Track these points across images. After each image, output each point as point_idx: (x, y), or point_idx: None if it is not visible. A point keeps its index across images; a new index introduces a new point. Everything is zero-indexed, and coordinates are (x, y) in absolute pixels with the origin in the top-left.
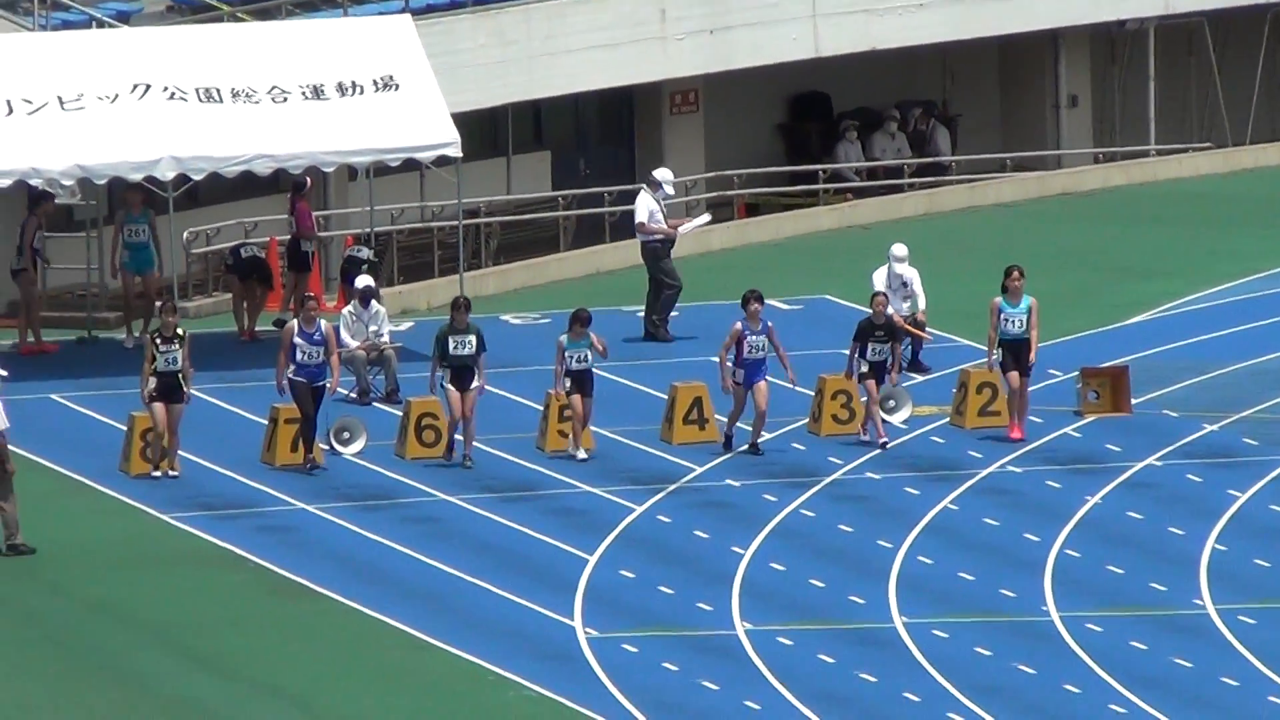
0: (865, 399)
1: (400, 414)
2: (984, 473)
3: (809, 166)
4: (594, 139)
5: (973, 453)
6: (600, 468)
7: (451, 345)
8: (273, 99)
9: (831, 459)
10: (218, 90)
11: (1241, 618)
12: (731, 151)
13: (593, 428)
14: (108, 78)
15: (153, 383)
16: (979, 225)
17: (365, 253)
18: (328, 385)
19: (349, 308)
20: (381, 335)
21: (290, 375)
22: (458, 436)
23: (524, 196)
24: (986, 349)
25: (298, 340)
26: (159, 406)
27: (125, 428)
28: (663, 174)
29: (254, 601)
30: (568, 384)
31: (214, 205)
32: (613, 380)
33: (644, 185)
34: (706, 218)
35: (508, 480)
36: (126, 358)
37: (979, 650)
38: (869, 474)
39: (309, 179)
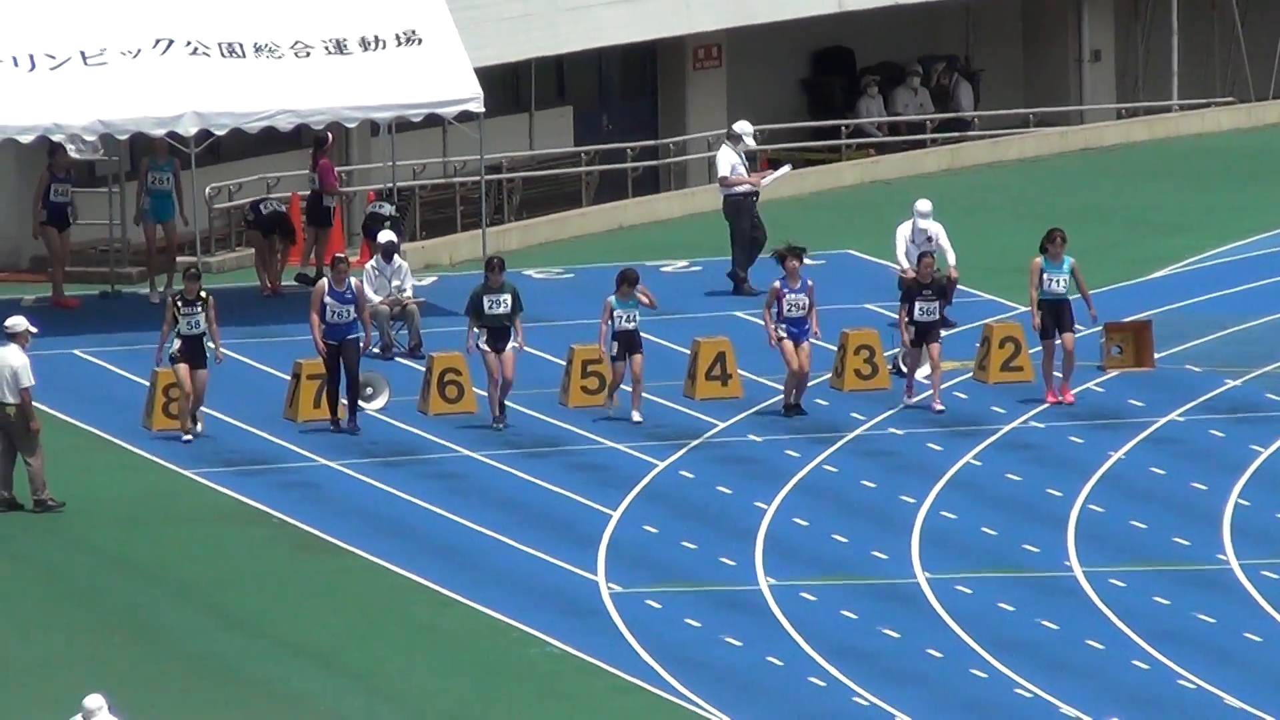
0: (909, 363)
1: (423, 369)
2: (1007, 428)
3: (832, 122)
4: (617, 94)
5: (996, 408)
6: (623, 423)
7: (487, 305)
8: (295, 54)
9: (854, 414)
10: (240, 45)
11: (1265, 573)
12: (754, 107)
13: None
14: (130, 33)
15: (176, 344)
16: (1001, 180)
17: (387, 209)
18: (360, 340)
19: (371, 263)
20: (404, 290)
21: (322, 337)
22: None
23: (547, 152)
24: (1030, 310)
25: (327, 299)
26: (183, 368)
27: (148, 383)
28: (742, 126)
29: (277, 558)
30: (615, 346)
31: (236, 160)
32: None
33: (725, 139)
34: (788, 169)
35: (531, 436)
36: (150, 313)
37: (1002, 605)
38: (892, 429)
39: (330, 134)
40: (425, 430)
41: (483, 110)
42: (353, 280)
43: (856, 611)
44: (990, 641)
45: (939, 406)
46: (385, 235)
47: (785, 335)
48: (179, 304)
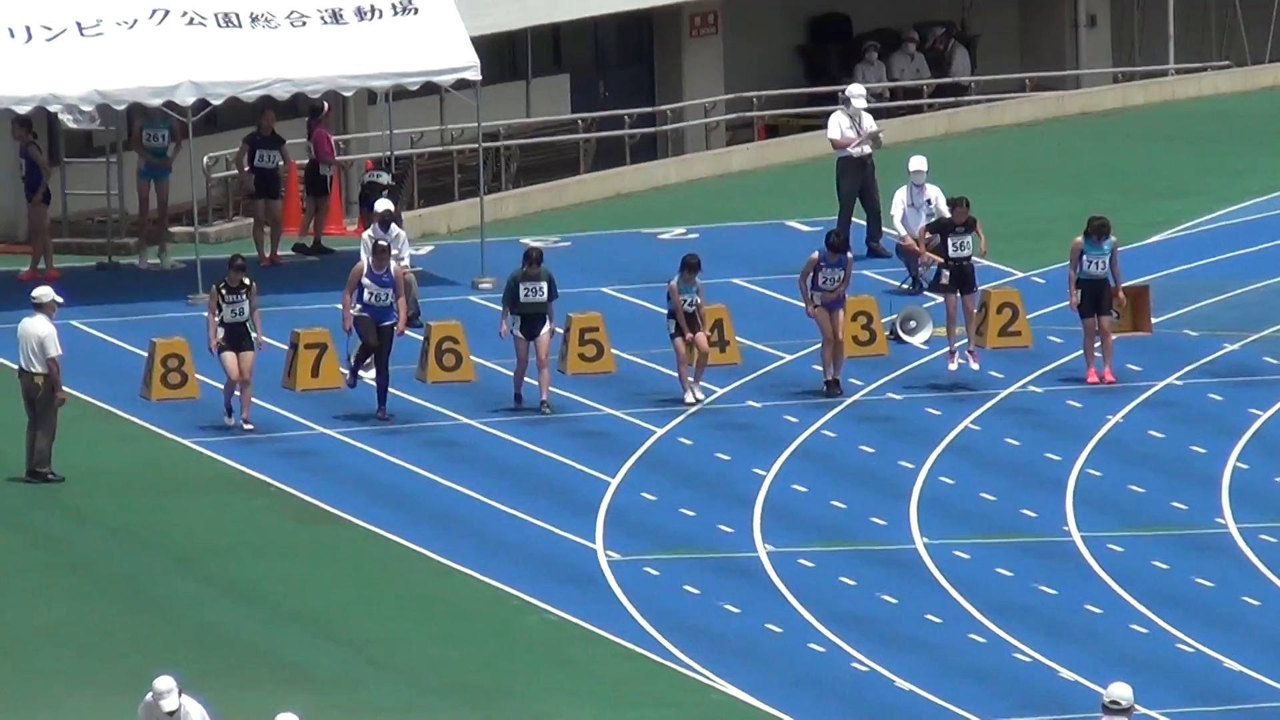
0: (947, 312)
1: (421, 338)
2: (1005, 393)
3: (828, 88)
4: (613, 62)
5: (994, 373)
6: (621, 390)
7: (523, 293)
8: (291, 23)
9: (852, 380)
10: (236, 15)
11: (1263, 536)
12: (751, 73)
13: (614, 350)
14: (126, 3)
15: (221, 332)
16: (998, 145)
17: (384, 177)
18: (395, 326)
19: (369, 231)
20: (402, 259)
21: (356, 311)
22: (530, 380)
23: (543, 119)
24: (1069, 289)
25: (366, 281)
26: (229, 355)
27: (146, 353)
28: (853, 89)
29: (276, 526)
30: (672, 325)
31: (233, 130)
32: (633, 303)
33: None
34: (871, 126)
35: (529, 403)
36: (147, 282)
37: (1000, 570)
38: (890, 394)
39: (326, 103)
40: (423, 398)
41: (479, 78)
42: (393, 265)
43: (855, 577)
44: (989, 606)
45: (975, 364)
46: (383, 204)
47: (820, 304)
48: (223, 292)
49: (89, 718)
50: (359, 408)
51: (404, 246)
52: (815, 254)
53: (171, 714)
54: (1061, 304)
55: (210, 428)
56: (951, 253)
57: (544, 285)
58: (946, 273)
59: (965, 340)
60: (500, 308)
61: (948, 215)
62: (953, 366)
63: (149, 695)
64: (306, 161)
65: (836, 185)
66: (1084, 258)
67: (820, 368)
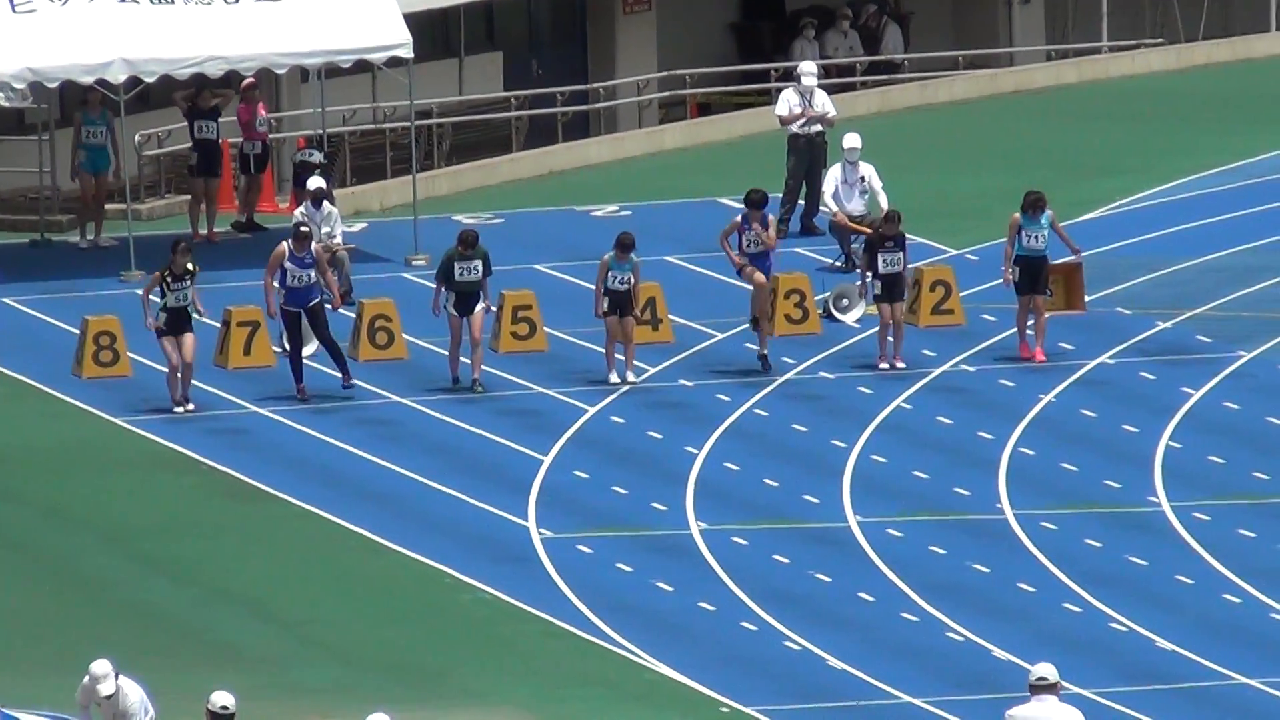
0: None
1: (353, 315)
2: (937, 371)
3: (761, 65)
4: (546, 39)
5: (926, 351)
6: (553, 369)
7: (457, 272)
8: (225, 0)
9: (785, 359)
10: None
11: (1196, 514)
12: (684, 51)
13: (546, 328)
14: None
15: (163, 317)
16: (931, 123)
17: (316, 156)
18: (328, 304)
19: (301, 209)
20: (334, 237)
21: (281, 304)
22: (464, 360)
23: (476, 97)
24: (1004, 264)
25: (288, 264)
26: (169, 340)
27: (78, 331)
28: (803, 66)
29: (208, 505)
30: (606, 304)
31: (166, 108)
32: (567, 280)
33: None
34: (825, 106)
35: (462, 381)
36: (79, 260)
37: (933, 549)
38: (822, 373)
39: (253, 79)
40: (356, 376)
41: (412, 56)
42: (314, 246)
43: (788, 556)
44: (922, 585)
45: (900, 364)
46: (315, 182)
47: (748, 262)
48: (168, 279)
49: (22, 697)
50: (291, 386)
51: (336, 224)
52: (738, 217)
53: (109, 697)
54: (995, 281)
55: (143, 407)
56: (882, 269)
57: (479, 264)
58: (878, 283)
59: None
60: (434, 285)
61: (882, 195)
62: (883, 365)
63: (86, 679)
64: (241, 140)
65: (785, 163)
66: (1023, 233)
67: (752, 324)
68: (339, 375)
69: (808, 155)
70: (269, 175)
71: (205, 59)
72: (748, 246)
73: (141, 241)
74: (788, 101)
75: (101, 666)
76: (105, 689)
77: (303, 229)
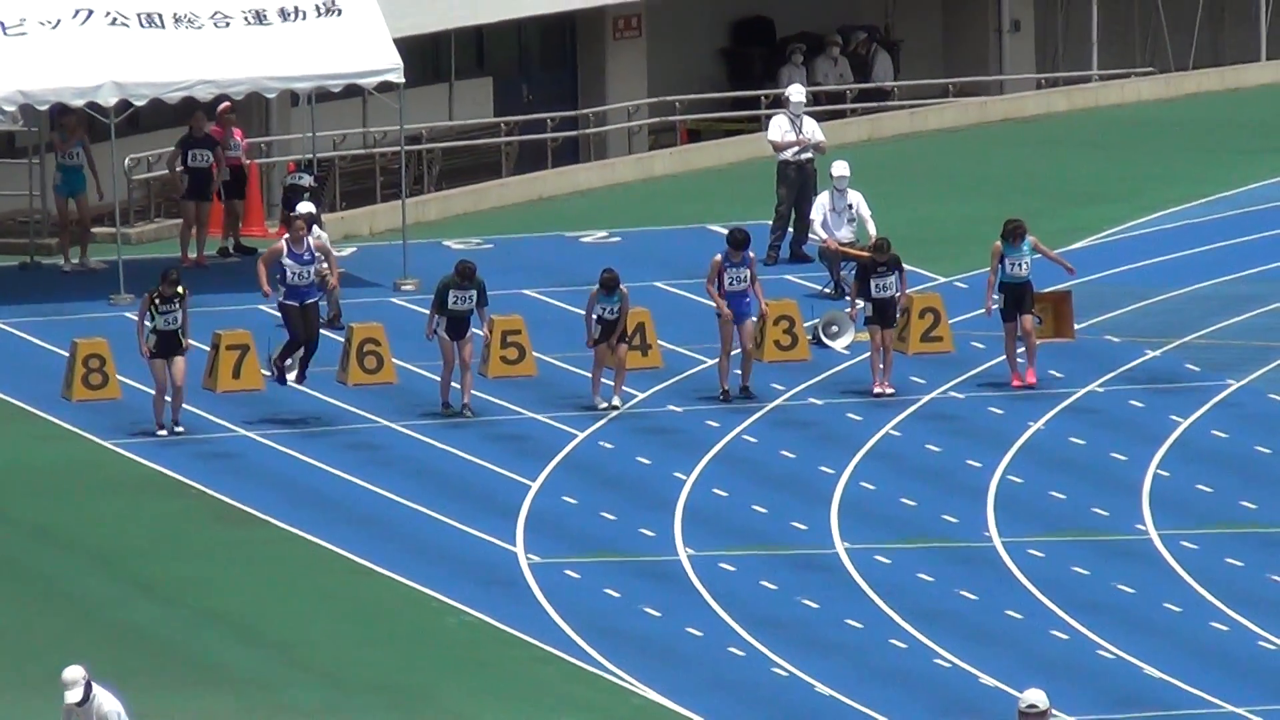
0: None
1: (342, 340)
2: (927, 398)
3: (751, 92)
4: (536, 64)
5: (915, 378)
6: (542, 393)
7: (451, 300)
8: (215, 24)
9: (774, 385)
10: (159, 15)
11: (1184, 543)
12: (674, 76)
13: (535, 353)
14: (49, 3)
15: (153, 340)
16: (921, 151)
17: (306, 179)
18: (321, 301)
19: (287, 238)
20: (324, 261)
21: (281, 299)
22: (455, 385)
23: (466, 122)
24: (985, 293)
25: (286, 261)
26: (159, 363)
27: (67, 354)
28: (791, 90)
29: (195, 528)
30: (598, 331)
31: (156, 131)
32: (555, 305)
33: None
34: (815, 134)
35: (452, 407)
36: (69, 284)
37: (921, 576)
38: (811, 400)
39: (225, 101)
40: (344, 401)
41: (402, 81)
42: (311, 240)
43: (776, 582)
44: (909, 611)
45: (889, 390)
46: (305, 206)
47: (727, 308)
48: (157, 302)
49: (7, 717)
50: (280, 410)
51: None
52: (719, 256)
53: (79, 704)
54: (982, 310)
55: (131, 430)
56: (874, 294)
57: (474, 293)
58: (870, 305)
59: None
60: (428, 311)
61: (870, 222)
62: (877, 390)
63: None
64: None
65: (775, 190)
66: (1005, 260)
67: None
68: (294, 369)
69: (798, 182)
70: (257, 199)
71: (196, 82)
72: (730, 284)
73: (131, 265)
74: (780, 127)
75: (72, 673)
76: (71, 696)
77: (297, 221)
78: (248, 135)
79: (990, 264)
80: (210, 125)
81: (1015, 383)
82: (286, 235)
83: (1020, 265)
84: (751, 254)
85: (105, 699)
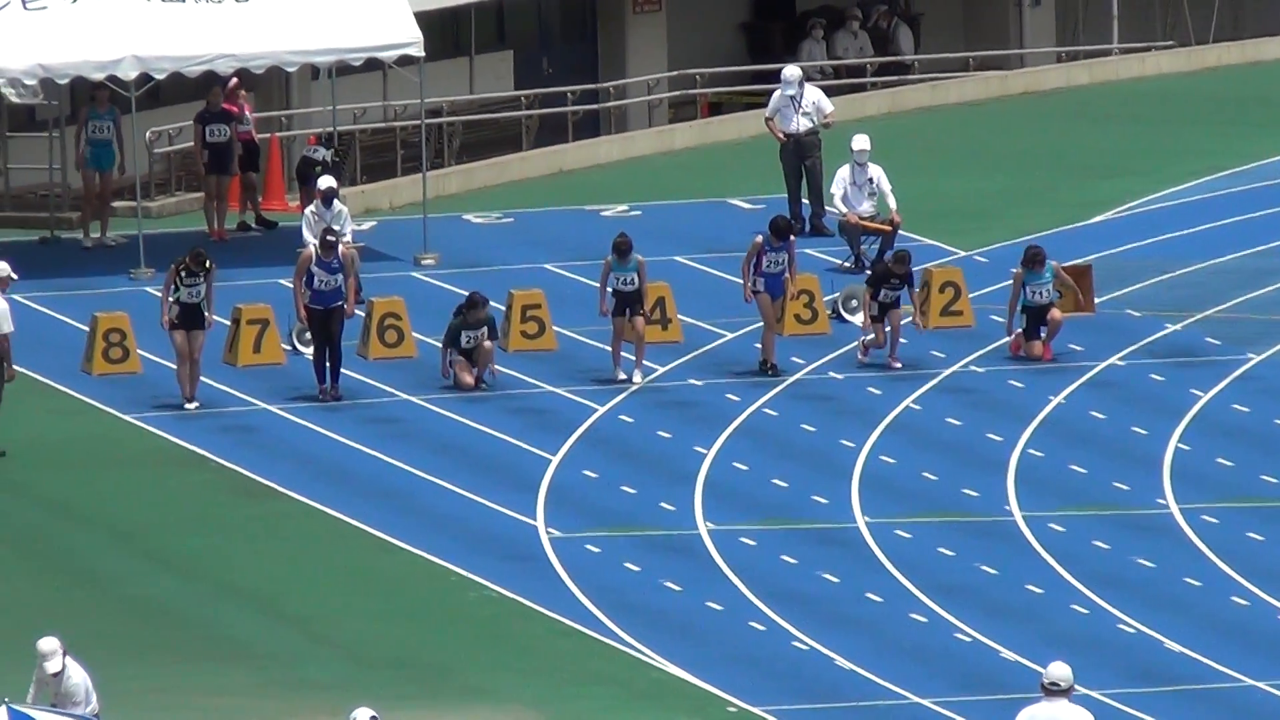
0: (867, 338)
1: (363, 314)
2: (947, 372)
3: (772, 65)
4: (556, 38)
5: (935, 352)
6: (562, 367)
7: (464, 340)
8: None
9: (794, 358)
10: None
11: (1204, 517)
12: (694, 50)
13: (555, 327)
14: None
15: (175, 310)
16: (941, 124)
17: (321, 153)
18: (344, 307)
19: (311, 207)
20: (344, 235)
21: (307, 302)
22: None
23: (487, 96)
24: (1006, 318)
25: (315, 269)
26: (180, 334)
27: (87, 328)
28: (788, 71)
29: (216, 502)
30: (613, 304)
31: (176, 104)
32: (575, 279)
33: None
34: (823, 105)
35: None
36: (89, 258)
37: (941, 550)
38: (831, 374)
39: (234, 78)
40: (365, 374)
41: (423, 54)
42: (341, 250)
43: (796, 556)
44: (930, 586)
45: (897, 364)
46: (325, 180)
47: (761, 289)
48: (182, 274)
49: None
50: (300, 383)
51: (346, 223)
52: (759, 238)
53: (55, 675)
54: (1004, 283)
55: (152, 404)
56: (881, 299)
57: (483, 330)
58: (875, 305)
59: (885, 349)
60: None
61: (890, 196)
62: (862, 359)
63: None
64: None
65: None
66: (1027, 287)
67: (760, 345)
68: (323, 382)
69: (795, 156)
70: (278, 173)
71: (216, 56)
72: (767, 268)
73: (151, 239)
74: (771, 105)
75: (48, 644)
76: (51, 666)
77: (329, 238)
78: (269, 109)
79: (1012, 289)
80: (218, 98)
81: (1014, 349)
82: (309, 210)
83: (1041, 292)
84: (793, 237)
85: (74, 670)
